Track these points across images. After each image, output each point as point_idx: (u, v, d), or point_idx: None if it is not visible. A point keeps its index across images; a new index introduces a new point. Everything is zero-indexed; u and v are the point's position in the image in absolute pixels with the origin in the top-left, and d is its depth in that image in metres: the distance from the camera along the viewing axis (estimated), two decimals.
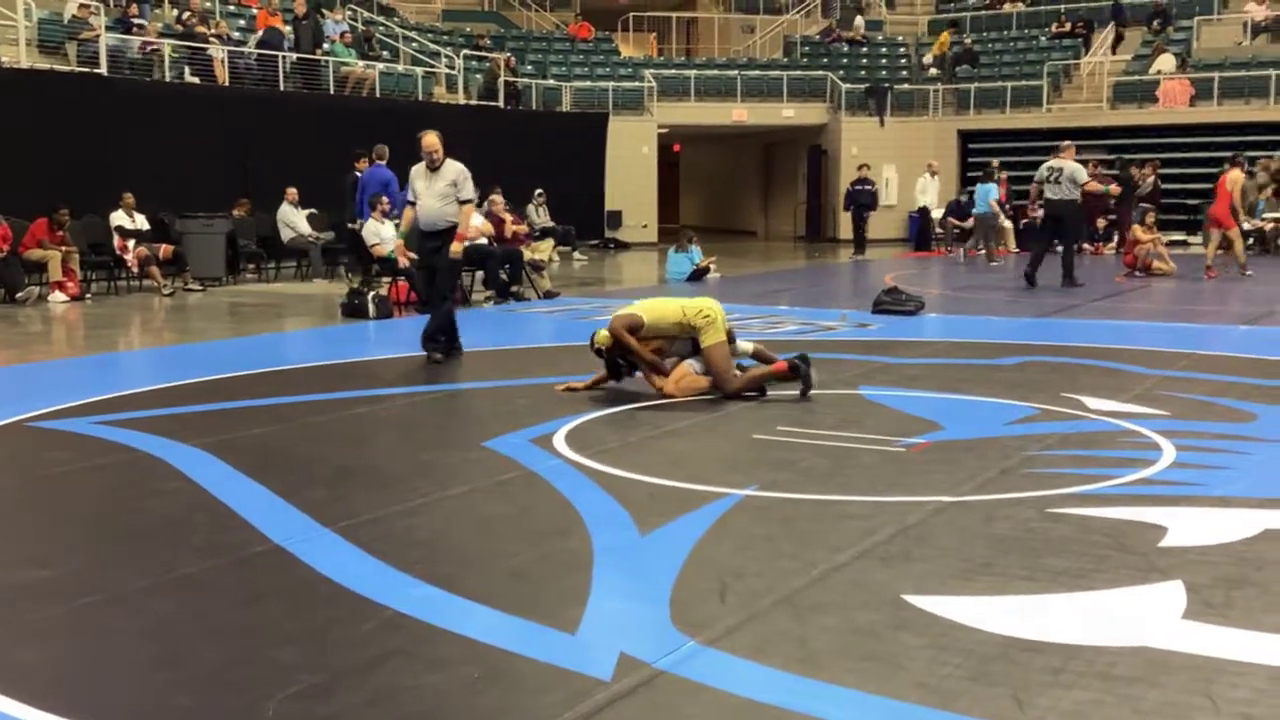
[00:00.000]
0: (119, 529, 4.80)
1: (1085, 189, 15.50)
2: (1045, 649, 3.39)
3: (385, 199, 13.74)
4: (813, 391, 7.38)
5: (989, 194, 20.47)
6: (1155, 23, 27.14)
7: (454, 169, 9.04)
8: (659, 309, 7.48)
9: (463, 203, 9.07)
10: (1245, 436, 6.19)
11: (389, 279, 13.28)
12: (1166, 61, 25.35)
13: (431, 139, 8.96)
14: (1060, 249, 15.87)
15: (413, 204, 9.11)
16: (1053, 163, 15.53)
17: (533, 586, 4.01)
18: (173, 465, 5.68)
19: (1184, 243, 22.45)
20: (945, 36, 28.59)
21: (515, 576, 4.11)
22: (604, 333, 7.48)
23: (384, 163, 14.34)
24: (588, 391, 7.56)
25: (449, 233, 9.05)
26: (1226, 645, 3.40)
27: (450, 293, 9.43)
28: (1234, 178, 16.42)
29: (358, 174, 14.67)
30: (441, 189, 8.96)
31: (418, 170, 9.08)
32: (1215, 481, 5.25)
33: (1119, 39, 27.46)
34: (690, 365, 7.44)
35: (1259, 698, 3.07)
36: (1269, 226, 21.37)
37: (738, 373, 7.51)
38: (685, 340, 7.45)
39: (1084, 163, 23.41)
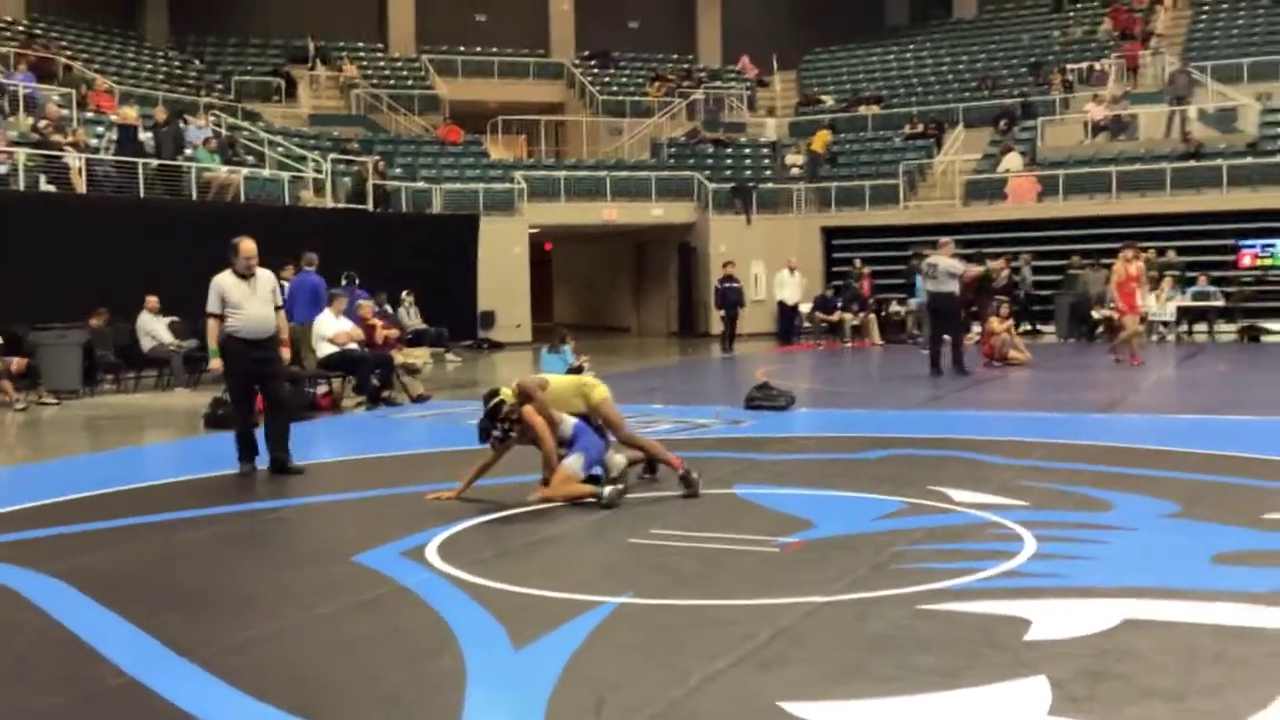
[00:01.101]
0: None
1: (966, 278, 16.00)
2: None
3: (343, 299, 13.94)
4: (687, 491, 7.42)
5: (919, 284, 21.05)
6: (1002, 123, 28.51)
7: (267, 275, 8.96)
8: (555, 378, 8.03)
9: (278, 309, 9.00)
10: (1102, 525, 6.39)
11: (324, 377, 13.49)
12: (1014, 160, 26.60)
13: (251, 245, 8.82)
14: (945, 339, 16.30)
15: (218, 316, 8.77)
16: (931, 258, 16.05)
17: (403, 711, 3.89)
18: (19, 594, 5.40)
19: (1036, 331, 23.36)
20: (824, 135, 29.56)
21: (385, 701, 3.99)
22: (508, 390, 7.45)
23: (313, 269, 14.85)
24: (461, 500, 7.45)
25: (277, 339, 8.97)
26: None
27: (285, 399, 9.28)
28: (1133, 265, 16.95)
29: (284, 281, 14.41)
30: (265, 295, 8.85)
31: (228, 281, 8.74)
32: (1075, 572, 5.40)
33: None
34: (571, 467, 7.41)
35: None
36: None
37: (576, 470, 7.46)
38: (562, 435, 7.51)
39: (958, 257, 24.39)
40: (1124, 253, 17.27)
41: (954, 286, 15.73)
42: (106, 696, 4.06)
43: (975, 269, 16.60)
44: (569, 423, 7.59)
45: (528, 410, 7.40)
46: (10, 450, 11.38)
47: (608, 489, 7.22)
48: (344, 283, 16.20)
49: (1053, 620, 4.64)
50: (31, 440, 11.75)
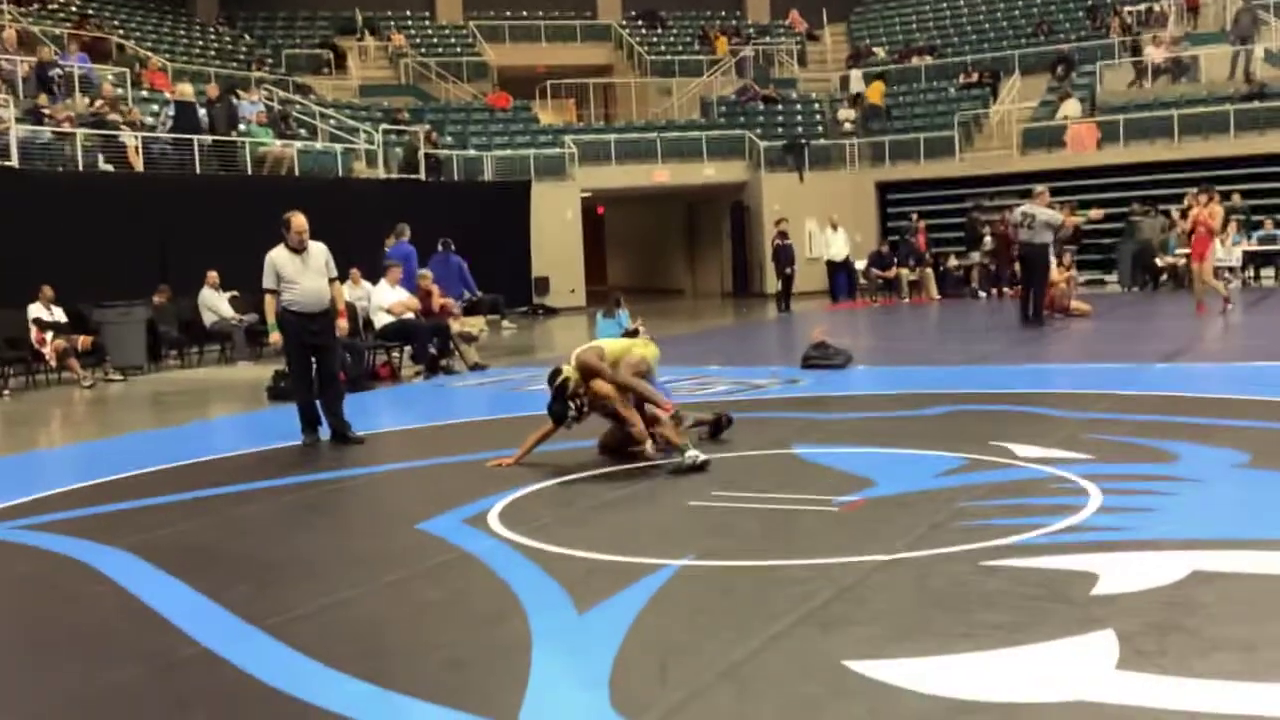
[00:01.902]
0: (38, 639, 4.64)
1: (1067, 226, 15.86)
2: (984, 709, 3.40)
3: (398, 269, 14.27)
4: (748, 452, 7.41)
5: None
6: (1059, 69, 27.96)
7: (320, 248, 8.98)
8: (609, 343, 7.95)
9: (332, 280, 9.04)
10: (1169, 477, 6.30)
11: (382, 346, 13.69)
12: (1072, 107, 26.10)
13: (302, 219, 8.87)
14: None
15: (273, 292, 8.86)
16: (1026, 208, 15.92)
17: (470, 676, 3.94)
18: (95, 569, 5.52)
19: (1100, 282, 23.00)
20: (879, 86, 29.21)
21: (452, 666, 4.04)
22: (569, 368, 7.46)
23: (405, 240, 16.11)
24: (520, 465, 7.50)
25: (333, 312, 9.03)
26: (1159, 694, 3.43)
27: (338, 371, 9.34)
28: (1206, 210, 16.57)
29: (386, 250, 16.26)
30: (318, 267, 8.90)
31: (281, 256, 8.82)
32: (1142, 525, 5.33)
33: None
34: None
35: None
36: (1182, 263, 21.95)
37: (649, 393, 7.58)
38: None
39: (990, 208, 24.03)
40: (1197, 196, 16.86)
41: (1048, 237, 15.66)
42: (181, 666, 4.15)
43: (1075, 218, 16.36)
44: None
45: (597, 385, 7.41)
46: (79, 427, 11.63)
47: (692, 454, 7.14)
48: (440, 249, 16.72)
49: (1119, 574, 4.59)
50: (99, 417, 11.99)
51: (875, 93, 29.10)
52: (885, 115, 28.76)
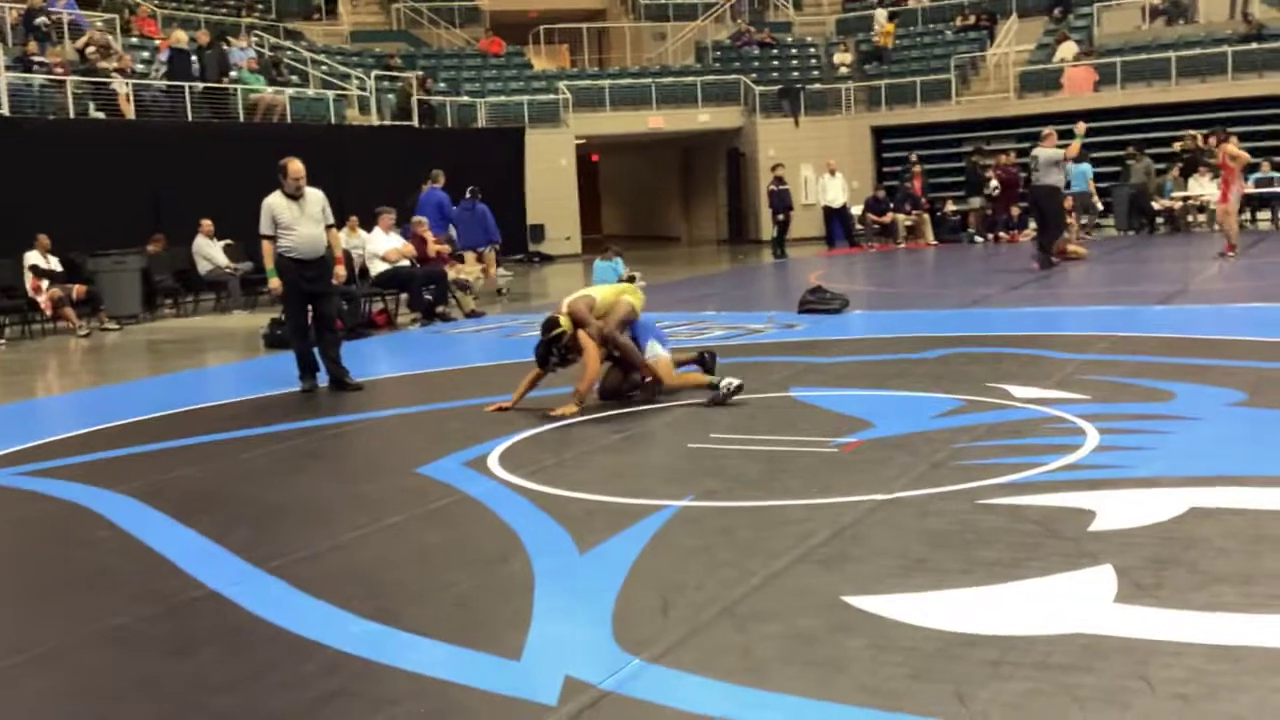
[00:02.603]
0: (45, 583, 4.68)
1: (1068, 155, 15.98)
2: (983, 642, 3.44)
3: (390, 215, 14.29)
4: (744, 395, 7.43)
5: (1086, 174, 20.80)
6: (1056, 11, 27.73)
7: (317, 195, 8.92)
8: (599, 290, 7.95)
9: (329, 227, 9.00)
10: (1165, 415, 6.33)
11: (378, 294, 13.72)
12: (1069, 49, 25.91)
13: (299, 165, 8.79)
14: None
15: (270, 238, 8.81)
16: (1035, 150, 16.08)
17: (474, 615, 3.98)
18: (99, 513, 5.56)
19: (1096, 226, 22.94)
20: (891, 26, 28.99)
21: (456, 605, 4.08)
22: (564, 318, 7.53)
23: (439, 186, 16.34)
24: (518, 410, 7.53)
25: (329, 258, 8.99)
26: (1159, 626, 3.47)
27: (334, 317, 9.34)
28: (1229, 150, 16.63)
29: (418, 196, 16.58)
30: (315, 214, 8.85)
31: (278, 202, 8.76)
32: (1139, 463, 5.36)
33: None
34: (664, 357, 7.72)
35: (1193, 677, 3.13)
36: (1178, 206, 21.92)
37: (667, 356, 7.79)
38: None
39: (989, 152, 23.93)
40: (1207, 138, 16.98)
41: (1056, 178, 15.75)
42: (190, 608, 4.19)
43: (1075, 145, 16.38)
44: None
45: (583, 335, 7.47)
46: (76, 375, 11.64)
47: (726, 382, 7.39)
48: (468, 196, 16.69)
49: (1117, 511, 4.63)
50: (96, 365, 11.99)
51: (887, 34, 28.87)
52: (881, 58, 28.55)
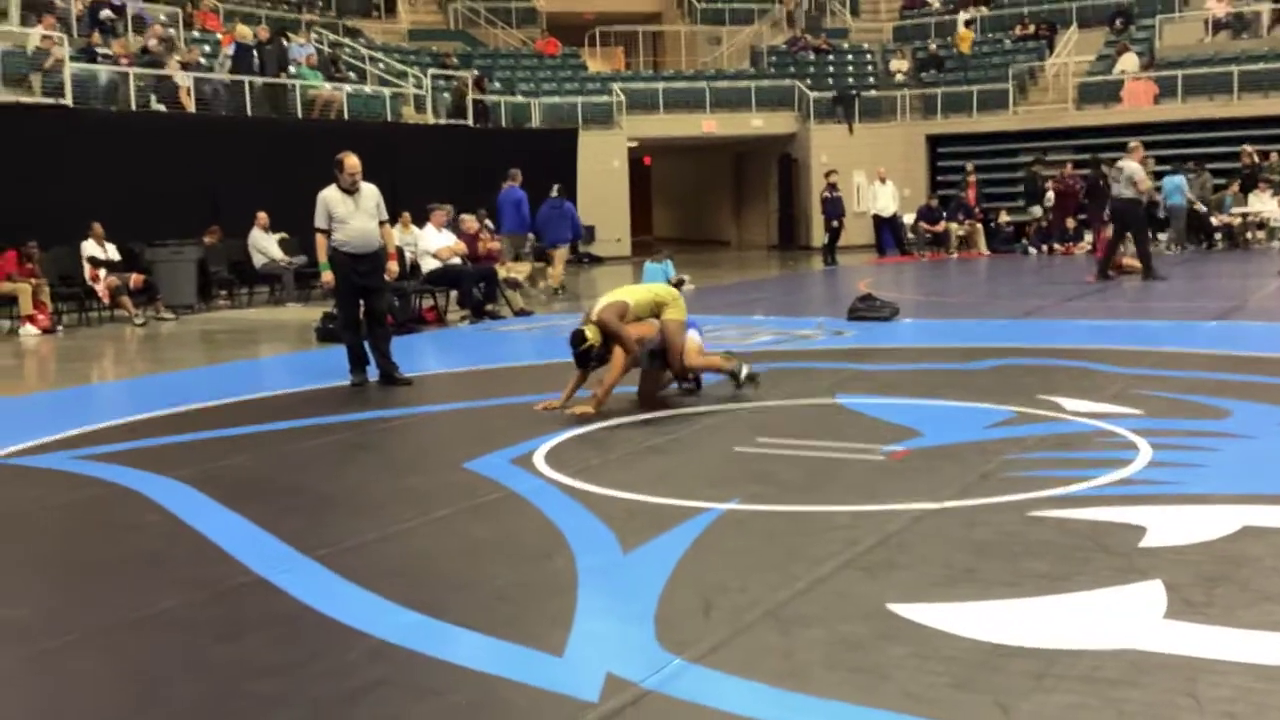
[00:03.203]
0: (95, 565, 4.76)
1: (1141, 189, 15.91)
2: (1028, 654, 3.41)
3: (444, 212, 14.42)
4: (791, 400, 7.41)
5: (1181, 186, 20.65)
6: (1118, 22, 27.40)
7: (372, 190, 8.97)
8: (634, 293, 7.85)
9: (383, 223, 9.06)
10: (1220, 433, 6.24)
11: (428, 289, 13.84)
12: (1130, 61, 25.59)
13: (355, 160, 8.86)
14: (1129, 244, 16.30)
15: (324, 231, 8.88)
16: (1120, 163, 15.99)
17: (518, 609, 4.00)
18: (150, 498, 5.64)
19: (1153, 239, 22.62)
20: (968, 33, 28.85)
21: (500, 600, 4.10)
22: (592, 329, 7.54)
23: (517, 184, 17.07)
24: (566, 408, 7.54)
25: (382, 254, 9.05)
26: (1208, 644, 3.42)
27: (385, 312, 9.40)
28: None
29: (499, 194, 17.38)
30: (369, 209, 8.91)
31: (333, 196, 8.83)
32: (1192, 479, 5.29)
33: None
34: (697, 341, 7.74)
35: (1241, 695, 3.09)
36: (1237, 222, 21.58)
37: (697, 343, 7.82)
38: (645, 348, 7.64)
39: (1050, 163, 23.70)
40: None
41: (1132, 192, 15.65)
42: (236, 593, 4.24)
43: (1148, 185, 16.34)
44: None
45: (617, 351, 7.49)
46: (132, 363, 11.82)
47: (747, 370, 7.54)
48: (554, 194, 17.41)
49: (1168, 527, 4.57)
50: (151, 354, 12.17)
51: (965, 40, 28.71)
52: (939, 66, 28.35)
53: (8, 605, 4.22)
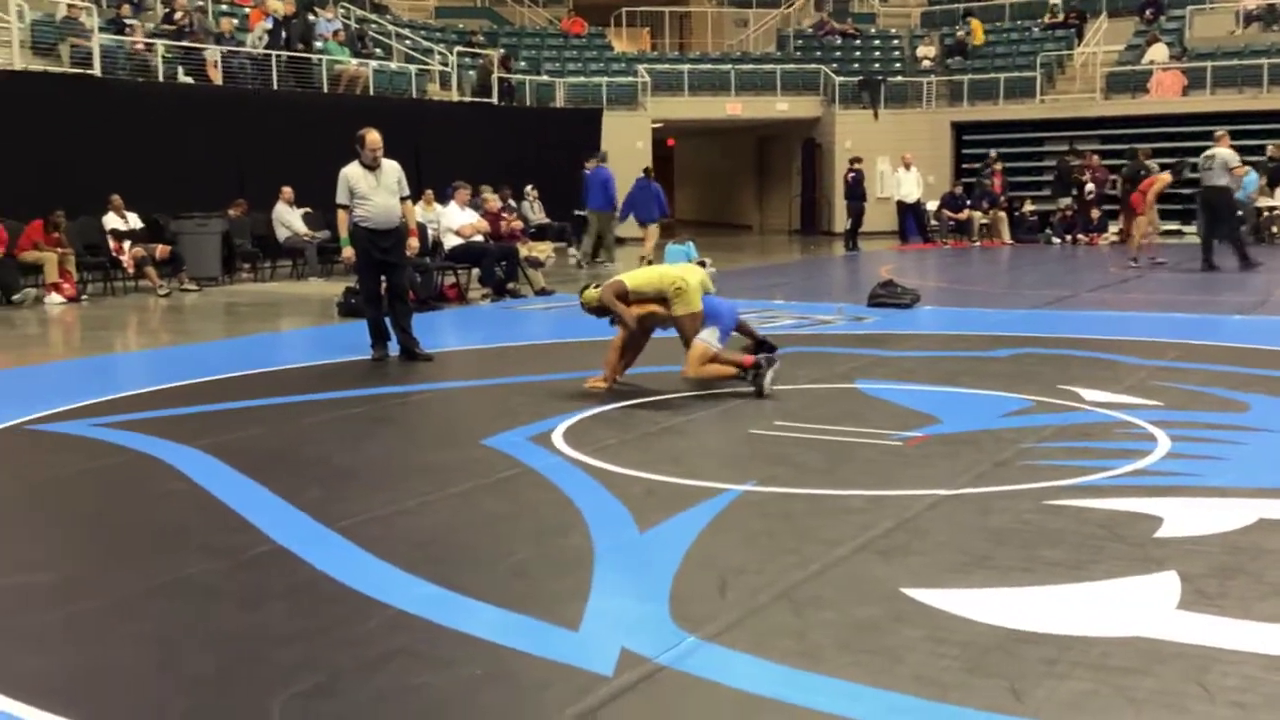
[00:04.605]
0: (120, 532, 4.83)
1: (1236, 174, 15.88)
2: (1041, 640, 3.43)
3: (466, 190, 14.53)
4: (810, 385, 7.42)
5: (1253, 183, 20.54)
6: (1148, 12, 27.17)
7: (394, 166, 9.00)
8: (641, 275, 7.75)
9: (404, 199, 9.09)
10: (1239, 426, 6.23)
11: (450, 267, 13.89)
12: (1159, 51, 25.38)
13: (376, 136, 8.87)
14: (1211, 234, 16.14)
15: (345, 207, 8.92)
16: (1211, 150, 15.94)
17: (534, 584, 4.04)
18: (173, 467, 5.71)
19: (1179, 232, 22.51)
20: (978, 25, 28.65)
21: (517, 574, 4.14)
22: (592, 291, 7.66)
23: (605, 165, 18.56)
24: (582, 389, 7.49)
25: (403, 230, 9.08)
26: (1220, 634, 3.44)
27: (407, 288, 9.44)
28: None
29: (585, 172, 18.76)
30: (391, 185, 8.94)
31: (355, 172, 8.86)
32: (1210, 471, 5.29)
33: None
34: (707, 341, 7.45)
35: (1252, 685, 3.10)
36: (1263, 216, 21.41)
37: (711, 344, 7.50)
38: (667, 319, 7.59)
39: (1082, 153, 23.55)
40: None
41: (1227, 180, 15.54)
42: (256, 562, 4.30)
43: (1241, 169, 16.25)
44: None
45: (611, 303, 7.50)
46: (155, 334, 11.91)
47: (768, 375, 7.29)
48: (643, 175, 18.65)
49: (1184, 518, 4.58)
50: (175, 325, 12.26)
51: (978, 31, 28.51)
52: (965, 53, 28.18)
53: (38, 570, 4.29)
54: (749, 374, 7.34)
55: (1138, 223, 17.32)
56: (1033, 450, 5.78)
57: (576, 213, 20.44)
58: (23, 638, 3.64)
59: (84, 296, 14.10)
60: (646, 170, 19.05)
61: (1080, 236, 22.07)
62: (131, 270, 14.73)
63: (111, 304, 13.93)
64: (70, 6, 17.25)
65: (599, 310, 7.70)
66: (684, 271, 7.77)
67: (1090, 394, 7.13)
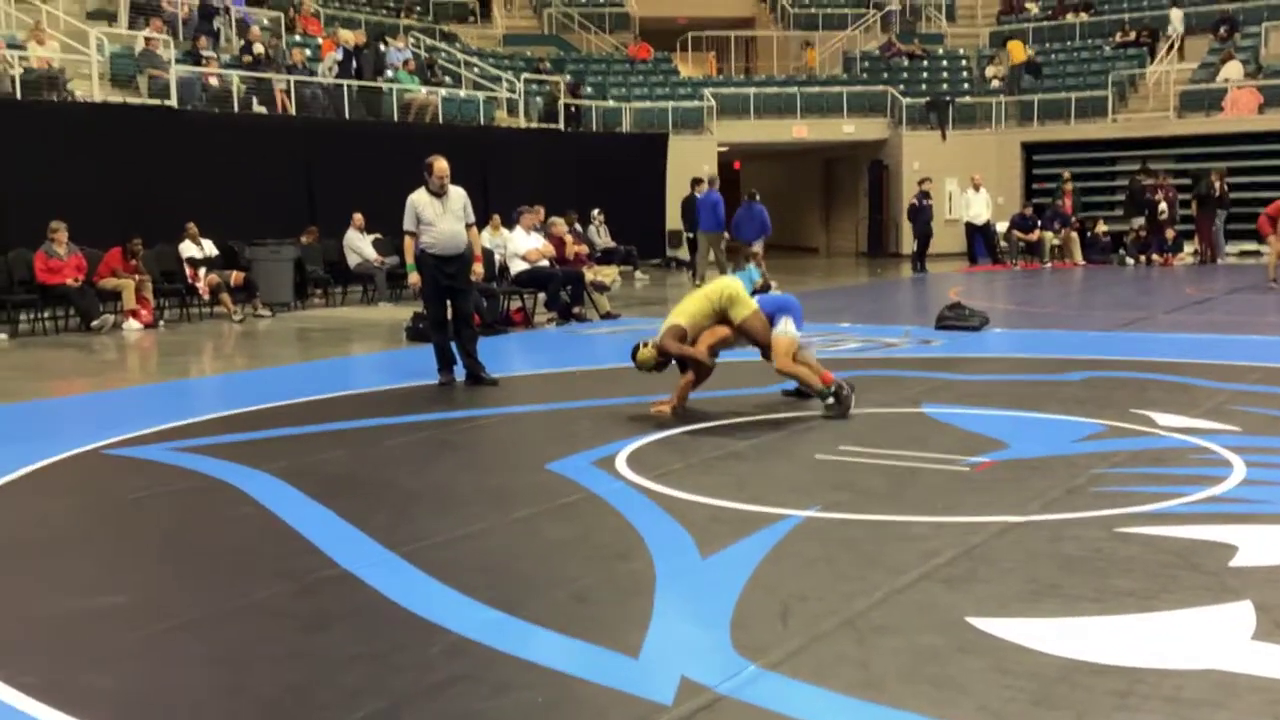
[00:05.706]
0: (191, 555, 4.91)
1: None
2: (1111, 672, 3.36)
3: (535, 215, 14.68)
4: (876, 409, 7.36)
5: None
6: (1222, 30, 26.70)
7: (459, 192, 9.10)
8: (688, 308, 7.65)
9: (470, 226, 9.18)
10: None
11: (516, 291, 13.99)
12: (1234, 69, 24.93)
13: (444, 164, 8.99)
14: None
15: (412, 234, 9.02)
16: None
17: (595, 610, 4.04)
18: (244, 491, 5.80)
19: (1256, 253, 22.02)
20: (1018, 45, 28.36)
21: (578, 600, 4.15)
22: (646, 351, 7.63)
23: (714, 188, 19.33)
24: (649, 414, 7.52)
25: (469, 255, 9.17)
26: None
27: (472, 314, 9.50)
28: None
29: (696, 196, 19.67)
30: (456, 211, 9.04)
31: (422, 199, 8.97)
32: None
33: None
34: (790, 334, 7.47)
35: None
36: None
37: (790, 332, 7.51)
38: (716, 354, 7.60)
39: (1155, 173, 23.14)
40: None
41: None
42: (322, 586, 4.35)
43: None
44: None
45: (676, 349, 7.48)
46: (229, 359, 12.13)
47: (838, 396, 7.29)
48: (748, 198, 19.21)
49: (1261, 546, 4.46)
50: (249, 350, 12.48)
51: (1018, 52, 28.18)
52: (1036, 73, 27.86)
53: (111, 591, 4.38)
54: (828, 392, 7.35)
55: (1271, 243, 16.84)
56: (1104, 476, 5.67)
57: (687, 235, 21.54)
58: (97, 659, 3.71)
59: (161, 322, 14.40)
60: (750, 193, 19.59)
61: (1155, 257, 21.68)
62: (207, 296, 15.03)
63: (187, 330, 14.21)
64: (148, 39, 17.72)
65: (661, 365, 7.61)
66: (724, 281, 7.83)
67: (1165, 419, 6.99)
